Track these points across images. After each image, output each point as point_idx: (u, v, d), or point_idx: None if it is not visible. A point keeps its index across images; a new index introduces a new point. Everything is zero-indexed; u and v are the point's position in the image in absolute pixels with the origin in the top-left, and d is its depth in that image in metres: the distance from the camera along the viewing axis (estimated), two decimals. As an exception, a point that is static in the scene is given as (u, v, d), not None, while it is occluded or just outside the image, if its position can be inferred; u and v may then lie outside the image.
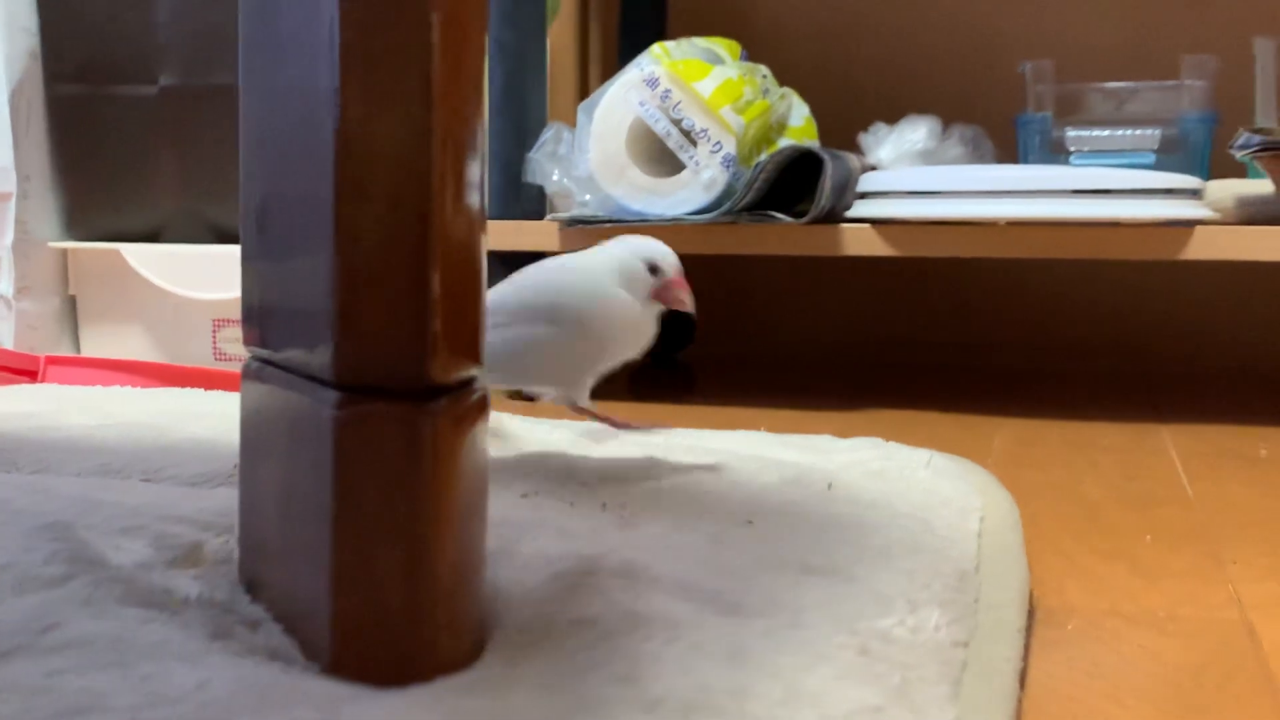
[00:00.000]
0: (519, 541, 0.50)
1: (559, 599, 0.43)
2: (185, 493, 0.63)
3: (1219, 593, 0.58)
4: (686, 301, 0.65)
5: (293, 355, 0.44)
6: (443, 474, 0.39)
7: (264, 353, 0.48)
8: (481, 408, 0.42)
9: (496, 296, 0.67)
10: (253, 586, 0.48)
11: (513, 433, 0.81)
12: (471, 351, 0.42)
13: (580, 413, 0.67)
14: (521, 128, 1.16)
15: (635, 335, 0.68)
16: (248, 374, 0.49)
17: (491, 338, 0.64)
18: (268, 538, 0.47)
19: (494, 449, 0.75)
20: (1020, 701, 0.45)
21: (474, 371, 0.42)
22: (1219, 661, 0.49)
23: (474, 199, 0.41)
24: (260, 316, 0.48)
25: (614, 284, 0.65)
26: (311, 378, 0.42)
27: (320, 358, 0.41)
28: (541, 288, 0.67)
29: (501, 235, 1.14)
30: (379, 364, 0.39)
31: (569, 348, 0.65)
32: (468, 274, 0.41)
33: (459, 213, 0.40)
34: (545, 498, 0.62)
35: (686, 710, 0.34)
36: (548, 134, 1.14)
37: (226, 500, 0.57)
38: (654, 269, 0.65)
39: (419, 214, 0.39)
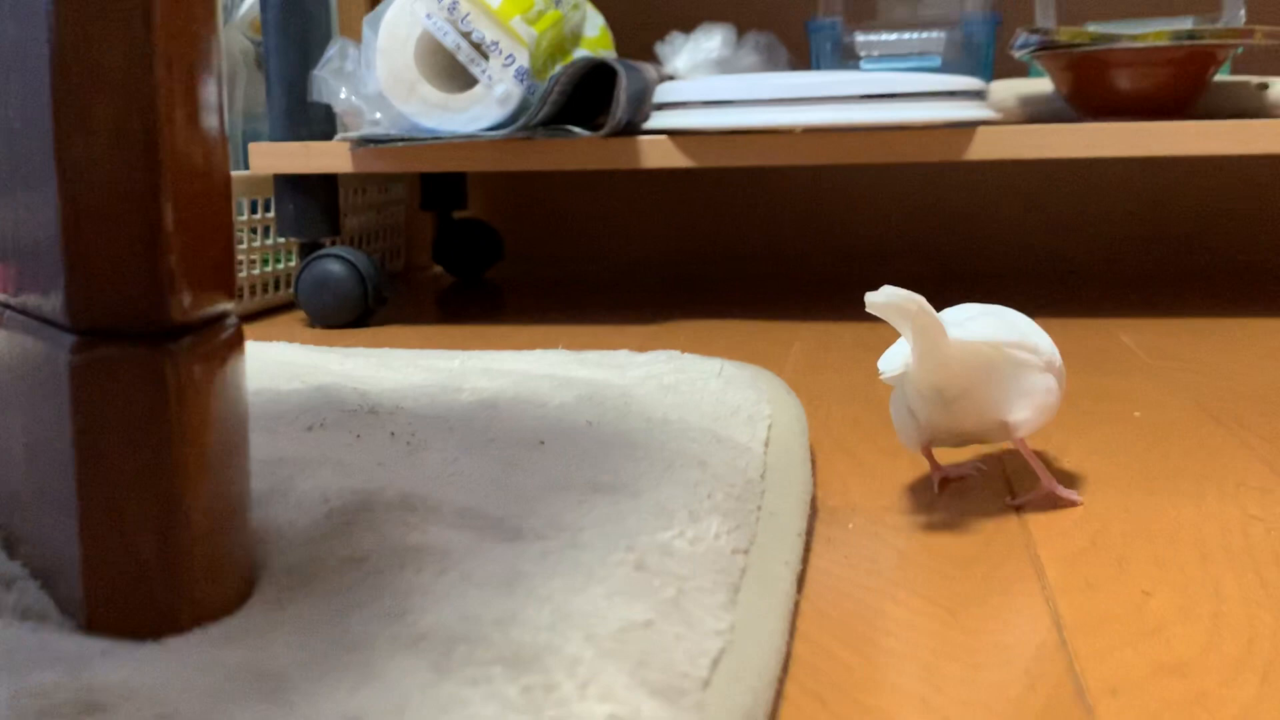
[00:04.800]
0: (296, 479, 0.49)
1: (331, 537, 0.42)
2: (-59, 447, 0.60)
3: (994, 484, 0.60)
4: None
5: (29, 299, 0.41)
6: (191, 417, 0.37)
7: (1, 296, 0.45)
8: (235, 343, 0.40)
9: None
10: (9, 542, 0.46)
11: (303, 363, 0.78)
12: (219, 285, 0.40)
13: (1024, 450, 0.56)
14: (305, 44, 1.11)
15: None
16: (-13, 319, 0.46)
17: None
18: (20, 490, 0.44)
19: (281, 382, 0.73)
20: (798, 603, 0.46)
21: (224, 306, 0.40)
22: (989, 552, 0.51)
23: (210, 123, 0.39)
24: (-6, 257, 0.45)
25: None
26: (48, 322, 0.40)
27: (53, 301, 0.39)
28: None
29: (289, 158, 1.10)
30: (113, 305, 0.37)
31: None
32: (209, 203, 0.39)
33: (193, 139, 0.38)
34: (331, 430, 0.61)
35: (450, 642, 0.33)
36: (332, 50, 1.09)
37: (-17, 453, 0.54)
38: None
39: (145, 143, 0.36)
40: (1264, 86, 1.18)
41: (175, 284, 0.37)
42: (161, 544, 0.37)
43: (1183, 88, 1.10)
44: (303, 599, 0.38)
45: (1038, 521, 0.55)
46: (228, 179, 0.40)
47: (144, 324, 0.37)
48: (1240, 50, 1.12)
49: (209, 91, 0.39)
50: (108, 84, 0.37)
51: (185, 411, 0.37)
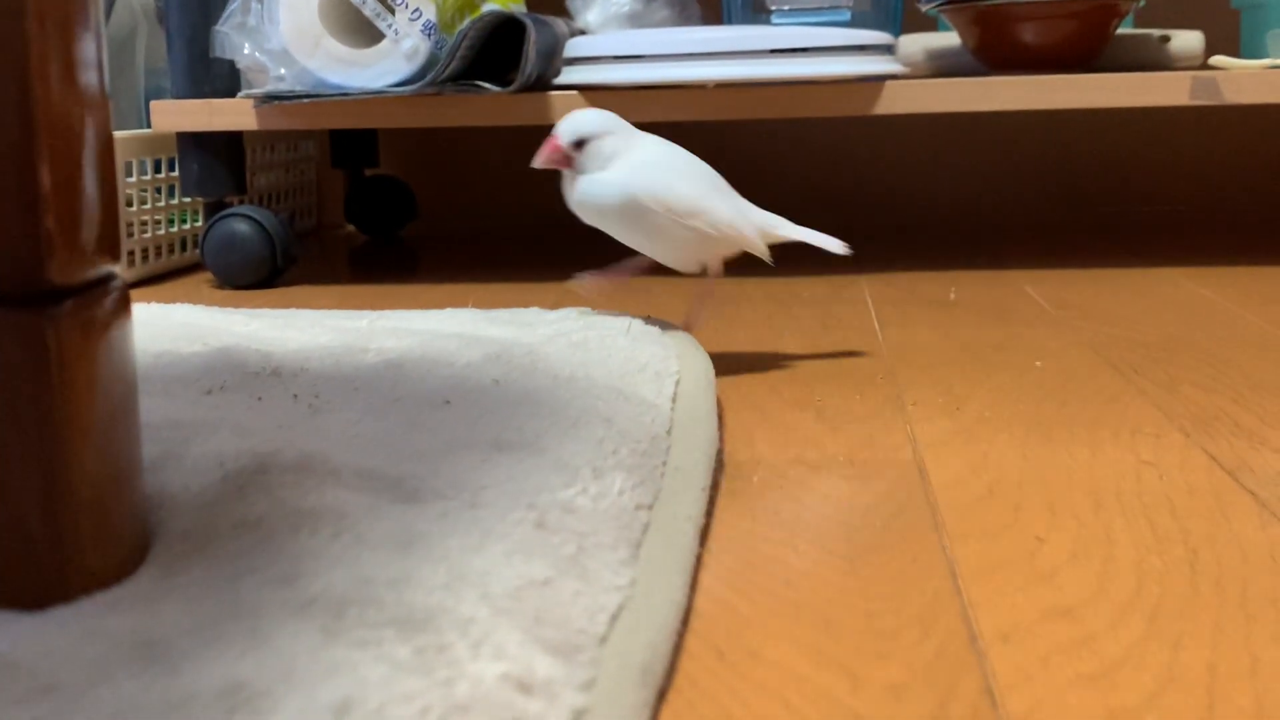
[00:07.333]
0: (192, 443, 0.48)
1: (226, 501, 0.42)
2: None
3: (896, 434, 0.61)
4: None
5: (-97, 262, 0.40)
6: (74, 383, 0.36)
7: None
8: (120, 307, 0.39)
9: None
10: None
11: (206, 325, 0.77)
12: (102, 247, 0.39)
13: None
14: (205, -1, 1.09)
15: None
16: None
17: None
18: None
19: (183, 344, 0.72)
20: (700, 557, 0.46)
21: (108, 268, 0.39)
22: (889, 501, 0.52)
23: (90, 79, 0.38)
24: None
25: None
26: (-77, 286, 0.39)
27: (-73, 265, 0.37)
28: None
29: (192, 116, 1.08)
30: (-10, 268, 0.36)
31: None
32: (89, 163, 0.38)
33: (70, 96, 0.37)
34: (231, 393, 0.60)
35: (341, 605, 0.33)
36: (235, 4, 1.07)
37: None
38: None
39: (18, 101, 0.35)
40: (1166, 39, 1.20)
41: (54, 247, 0.36)
42: (45, 513, 0.36)
43: (1087, 41, 1.12)
44: (194, 565, 0.37)
45: (937, 470, 0.56)
46: (109, 138, 0.39)
47: (23, 288, 0.36)
48: (1143, 3, 1.13)
49: (87, 47, 0.38)
50: (-24, 40, 0.35)
51: (67, 377, 0.36)
